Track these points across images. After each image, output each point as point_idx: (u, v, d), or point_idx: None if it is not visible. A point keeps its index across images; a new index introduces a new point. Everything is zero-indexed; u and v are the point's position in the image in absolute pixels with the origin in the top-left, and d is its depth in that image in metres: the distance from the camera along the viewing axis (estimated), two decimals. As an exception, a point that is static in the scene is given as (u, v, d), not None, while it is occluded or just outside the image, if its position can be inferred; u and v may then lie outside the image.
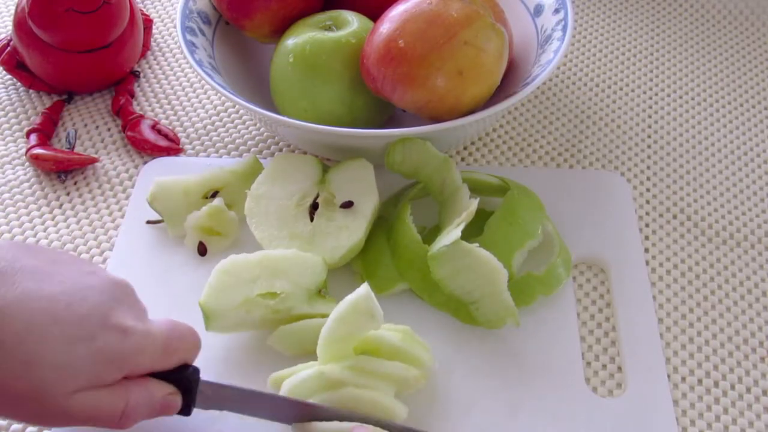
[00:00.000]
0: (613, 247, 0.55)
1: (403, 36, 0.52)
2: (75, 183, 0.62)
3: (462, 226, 0.49)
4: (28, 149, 0.62)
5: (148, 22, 0.73)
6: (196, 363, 0.44)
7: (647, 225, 0.58)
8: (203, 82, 0.65)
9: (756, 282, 0.55)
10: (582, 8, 0.78)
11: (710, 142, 0.65)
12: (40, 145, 0.63)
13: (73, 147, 0.64)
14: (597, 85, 0.70)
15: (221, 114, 0.67)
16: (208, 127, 0.66)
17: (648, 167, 0.62)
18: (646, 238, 0.57)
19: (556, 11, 0.61)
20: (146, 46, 0.72)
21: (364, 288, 0.45)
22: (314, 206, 0.54)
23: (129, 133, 0.64)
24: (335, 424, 0.43)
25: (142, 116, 0.65)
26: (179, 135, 0.65)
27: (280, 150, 0.64)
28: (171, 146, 0.63)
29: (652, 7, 0.78)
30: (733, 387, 0.50)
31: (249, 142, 0.64)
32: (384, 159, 0.55)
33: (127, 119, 0.65)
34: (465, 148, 0.64)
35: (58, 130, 0.66)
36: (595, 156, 0.63)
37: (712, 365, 0.50)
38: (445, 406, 0.47)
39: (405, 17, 0.53)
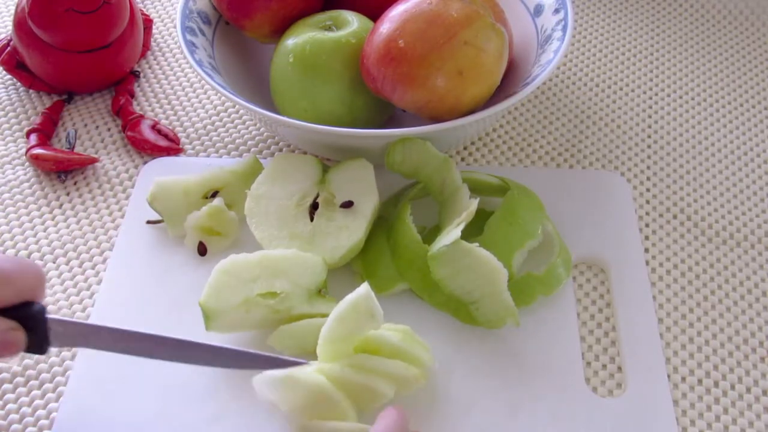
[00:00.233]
0: (613, 247, 0.55)
1: (403, 36, 0.52)
2: (75, 183, 0.62)
3: (462, 226, 0.49)
4: (28, 149, 0.62)
5: (148, 22, 0.73)
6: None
7: (647, 225, 0.58)
8: (203, 82, 0.65)
9: (756, 282, 0.55)
10: (582, 8, 0.78)
11: (710, 142, 0.65)
12: (40, 145, 0.63)
13: (73, 147, 0.64)
14: (597, 85, 0.70)
15: (221, 114, 0.67)
16: (208, 127, 0.66)
17: (648, 167, 0.62)
18: (646, 238, 0.57)
19: (556, 11, 0.61)
20: (146, 46, 0.72)
21: (364, 288, 0.45)
22: (314, 206, 0.54)
23: (129, 133, 0.64)
24: (341, 424, 0.44)
25: (142, 116, 0.65)
26: (179, 135, 0.65)
27: (280, 150, 0.64)
28: (171, 146, 0.63)
29: (652, 7, 0.78)
30: (733, 387, 0.50)
31: (249, 142, 0.64)
32: (384, 159, 0.55)
33: (127, 119, 0.65)
34: (465, 148, 0.64)
35: (58, 130, 0.66)
36: (595, 156, 0.63)
37: (712, 365, 0.50)
38: (445, 406, 0.47)
39: (405, 17, 0.53)
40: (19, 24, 0.64)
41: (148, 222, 0.57)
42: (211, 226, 0.55)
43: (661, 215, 0.59)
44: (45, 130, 0.64)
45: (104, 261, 0.56)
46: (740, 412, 0.48)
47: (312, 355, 0.47)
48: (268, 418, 0.47)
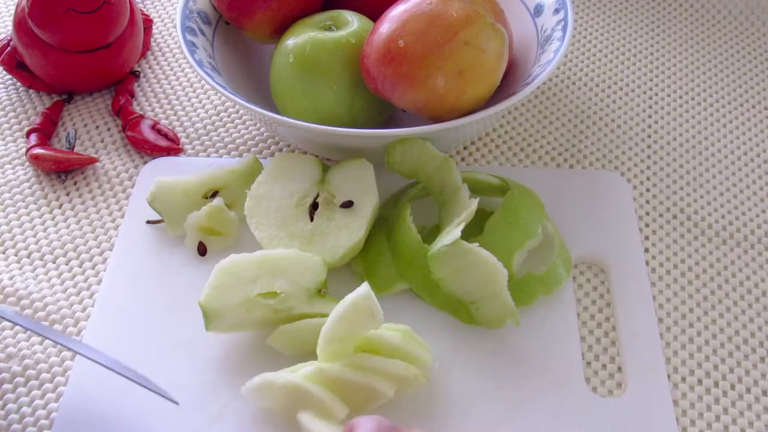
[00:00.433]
0: (613, 247, 0.55)
1: (403, 36, 0.52)
2: (75, 183, 0.62)
3: (462, 226, 0.49)
4: (28, 149, 0.62)
5: (148, 22, 0.73)
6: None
7: (647, 225, 0.58)
8: (203, 82, 0.65)
9: (756, 282, 0.55)
10: (582, 8, 0.78)
11: (710, 142, 0.65)
12: (40, 145, 0.63)
13: (73, 147, 0.64)
14: (597, 85, 0.70)
15: (221, 114, 0.67)
16: (208, 127, 0.66)
17: (648, 167, 0.62)
18: (646, 238, 0.57)
19: (556, 11, 0.61)
20: (146, 46, 0.72)
21: (364, 287, 0.45)
22: (314, 206, 0.54)
23: (129, 133, 0.64)
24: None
25: (142, 116, 0.65)
26: (179, 135, 0.65)
27: (280, 150, 0.64)
28: (171, 146, 0.63)
29: (652, 7, 0.78)
30: (733, 387, 0.50)
31: (249, 142, 0.64)
32: (384, 159, 0.55)
33: (127, 119, 0.65)
34: (465, 148, 0.64)
35: (58, 130, 0.66)
36: (595, 156, 0.63)
37: (712, 365, 0.50)
38: (445, 406, 0.47)
39: (405, 17, 0.53)
40: (19, 24, 0.64)
41: (148, 222, 0.57)
42: (211, 226, 0.55)
43: (661, 215, 0.59)
44: (45, 130, 0.64)
45: (104, 261, 0.56)
46: (740, 412, 0.48)
47: (312, 355, 0.47)
48: (268, 418, 0.47)
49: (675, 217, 0.59)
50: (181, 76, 0.71)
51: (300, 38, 0.57)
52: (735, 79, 0.70)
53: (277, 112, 0.57)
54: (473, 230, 0.52)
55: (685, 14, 0.77)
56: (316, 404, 0.44)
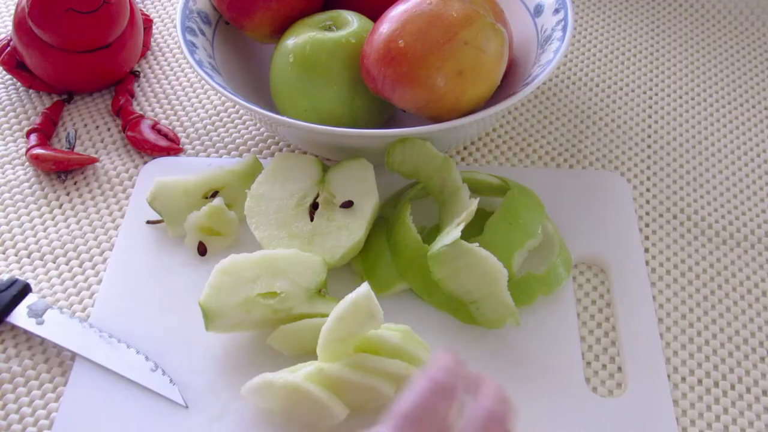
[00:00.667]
0: (613, 247, 0.55)
1: (403, 36, 0.52)
2: (75, 183, 0.62)
3: (462, 226, 0.49)
4: (28, 149, 0.62)
5: (148, 22, 0.73)
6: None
7: (647, 225, 0.58)
8: (203, 82, 0.65)
9: (756, 282, 0.55)
10: (582, 8, 0.78)
11: (710, 142, 0.65)
12: (40, 145, 0.63)
13: (73, 147, 0.64)
14: (597, 85, 0.70)
15: (221, 114, 0.67)
16: (208, 127, 0.66)
17: (648, 167, 0.62)
18: (646, 238, 0.57)
19: (556, 11, 0.61)
20: (146, 46, 0.72)
21: (364, 287, 0.45)
22: (314, 206, 0.54)
23: (129, 133, 0.64)
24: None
25: (142, 116, 0.65)
26: (179, 135, 0.65)
27: (280, 150, 0.64)
28: (171, 146, 0.63)
29: (652, 7, 0.78)
30: (733, 387, 0.50)
31: (249, 142, 0.64)
32: (384, 159, 0.55)
33: (127, 119, 0.65)
34: (465, 148, 0.64)
35: (58, 130, 0.66)
36: (595, 156, 0.63)
37: (712, 365, 0.50)
38: (445, 406, 0.47)
39: (405, 17, 0.53)
40: (19, 24, 0.64)
41: (148, 222, 0.57)
42: (211, 226, 0.55)
43: (661, 215, 0.59)
44: (45, 130, 0.64)
45: (104, 261, 0.56)
46: (740, 412, 0.48)
47: (312, 355, 0.47)
48: (268, 418, 0.47)
49: (675, 217, 0.59)
50: (181, 76, 0.71)
51: (300, 38, 0.57)
52: (735, 79, 0.70)
53: (277, 112, 0.57)
54: (473, 230, 0.52)
55: (685, 14, 0.77)
56: (316, 404, 0.44)
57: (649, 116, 0.67)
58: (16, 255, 0.57)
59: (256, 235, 0.52)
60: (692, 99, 0.68)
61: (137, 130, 0.64)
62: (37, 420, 0.48)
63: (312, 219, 0.53)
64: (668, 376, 0.49)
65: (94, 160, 0.62)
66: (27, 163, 0.63)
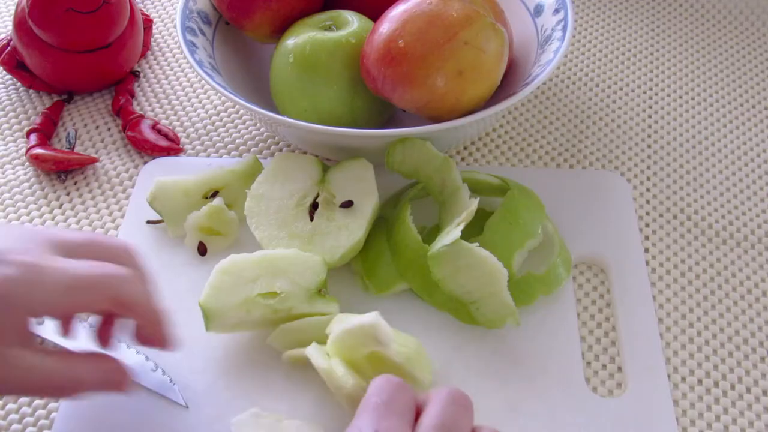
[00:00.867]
0: (613, 247, 0.55)
1: (403, 36, 0.52)
2: (75, 183, 0.62)
3: (462, 226, 0.49)
4: (28, 149, 0.62)
5: (148, 22, 0.73)
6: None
7: (647, 225, 0.58)
8: (203, 82, 0.65)
9: (756, 282, 0.55)
10: (582, 8, 0.78)
11: (710, 142, 0.65)
12: (40, 145, 0.63)
13: (73, 147, 0.64)
14: (597, 85, 0.70)
15: (221, 114, 0.67)
16: (208, 127, 0.66)
17: (648, 167, 0.62)
18: (646, 238, 0.57)
19: (556, 11, 0.61)
20: (146, 46, 0.72)
21: (374, 316, 0.44)
22: (314, 206, 0.54)
23: (129, 133, 0.64)
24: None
25: (142, 116, 0.65)
26: (179, 135, 0.65)
27: (280, 150, 0.64)
28: (171, 146, 0.63)
29: (652, 7, 0.78)
30: (733, 387, 0.50)
31: (249, 142, 0.64)
32: (384, 159, 0.55)
33: (127, 119, 0.65)
34: (465, 148, 0.64)
35: (58, 130, 0.66)
36: (595, 156, 0.63)
37: (712, 365, 0.50)
38: (445, 406, 0.47)
39: (405, 17, 0.53)
40: (19, 24, 0.64)
41: (148, 222, 0.57)
42: (211, 226, 0.55)
43: (661, 215, 0.59)
44: (45, 130, 0.64)
45: (104, 261, 0.56)
46: (740, 412, 0.48)
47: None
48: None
49: (675, 217, 0.59)
50: (181, 76, 0.71)
51: (300, 38, 0.57)
52: (735, 79, 0.70)
53: (277, 112, 0.57)
54: (473, 230, 0.52)
55: (685, 14, 0.77)
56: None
57: (649, 116, 0.67)
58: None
59: (256, 235, 0.52)
60: (692, 99, 0.68)
61: (137, 130, 0.64)
62: (37, 420, 0.48)
63: (312, 219, 0.53)
64: (668, 376, 0.49)
65: (94, 160, 0.62)
66: (27, 163, 0.63)
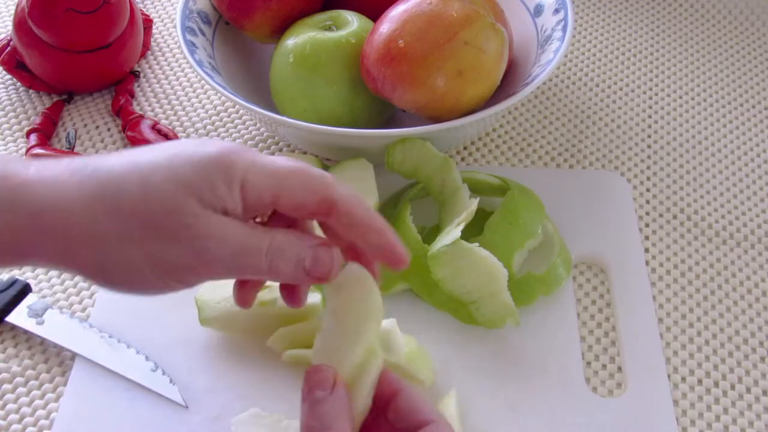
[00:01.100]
0: (613, 247, 0.55)
1: (403, 36, 0.52)
2: (75, 183, 0.61)
3: (462, 226, 0.49)
4: (28, 149, 0.62)
5: (148, 22, 0.73)
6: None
7: (647, 225, 0.58)
8: (203, 82, 0.65)
9: (756, 282, 0.55)
10: (582, 8, 0.77)
11: (710, 142, 0.65)
12: (40, 145, 0.63)
13: (73, 147, 0.64)
14: (597, 85, 0.70)
15: (221, 114, 0.67)
16: (208, 127, 0.66)
17: (648, 167, 0.62)
18: (646, 238, 0.57)
19: (556, 11, 0.61)
20: (146, 46, 0.72)
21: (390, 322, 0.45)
22: (314, 206, 0.54)
23: (129, 133, 0.64)
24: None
25: (142, 116, 0.65)
26: (179, 135, 0.65)
27: (280, 150, 0.64)
28: (171, 146, 0.63)
29: (652, 7, 0.78)
30: (733, 387, 0.50)
31: (249, 142, 0.64)
32: (384, 159, 0.55)
33: (127, 119, 0.65)
34: (465, 148, 0.64)
35: (58, 130, 0.66)
36: (595, 156, 0.63)
37: (712, 365, 0.50)
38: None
39: (405, 17, 0.53)
40: (19, 24, 0.64)
41: (148, 222, 0.57)
42: (211, 226, 0.55)
43: (661, 215, 0.59)
44: (45, 130, 0.64)
45: (104, 261, 0.56)
46: (740, 412, 0.48)
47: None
48: (268, 418, 0.47)
49: (675, 217, 0.59)
50: (181, 76, 0.71)
51: (300, 38, 0.57)
52: (735, 79, 0.70)
53: (277, 112, 0.57)
54: (473, 230, 0.52)
55: (685, 14, 0.77)
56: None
57: (649, 116, 0.67)
58: (16, 255, 0.57)
59: (256, 235, 0.52)
60: (692, 99, 0.68)
61: (137, 130, 0.64)
62: (37, 420, 0.48)
63: (312, 219, 0.53)
64: (668, 376, 0.49)
65: (94, 160, 0.62)
66: (27, 163, 0.63)
